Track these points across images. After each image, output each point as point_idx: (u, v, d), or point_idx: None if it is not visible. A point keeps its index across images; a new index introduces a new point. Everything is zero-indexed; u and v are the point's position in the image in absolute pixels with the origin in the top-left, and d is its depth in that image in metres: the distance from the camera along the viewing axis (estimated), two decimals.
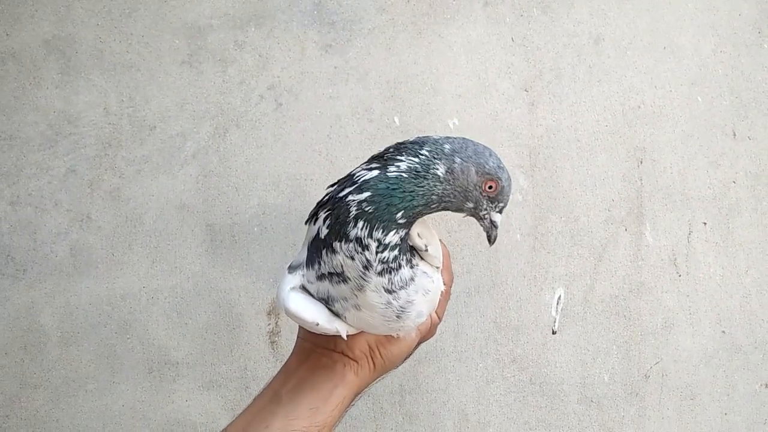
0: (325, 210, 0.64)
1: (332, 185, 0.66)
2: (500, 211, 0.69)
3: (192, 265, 1.01)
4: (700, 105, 1.09)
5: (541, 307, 1.06)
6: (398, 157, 0.63)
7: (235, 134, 1.01)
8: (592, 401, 1.06)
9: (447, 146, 0.64)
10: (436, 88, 1.04)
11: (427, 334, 0.78)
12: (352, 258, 0.63)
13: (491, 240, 0.71)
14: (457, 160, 0.64)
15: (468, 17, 1.04)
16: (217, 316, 1.01)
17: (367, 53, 1.03)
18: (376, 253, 0.63)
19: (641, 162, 1.07)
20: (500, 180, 0.66)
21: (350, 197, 0.62)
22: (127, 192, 1.00)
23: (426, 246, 0.70)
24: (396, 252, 0.64)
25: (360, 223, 0.62)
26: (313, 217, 0.67)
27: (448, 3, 1.04)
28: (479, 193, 0.66)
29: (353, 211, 0.62)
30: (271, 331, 1.02)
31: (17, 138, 0.97)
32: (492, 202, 0.67)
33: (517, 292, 1.06)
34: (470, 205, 0.67)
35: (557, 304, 1.06)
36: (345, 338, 0.69)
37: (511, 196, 0.69)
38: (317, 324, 0.67)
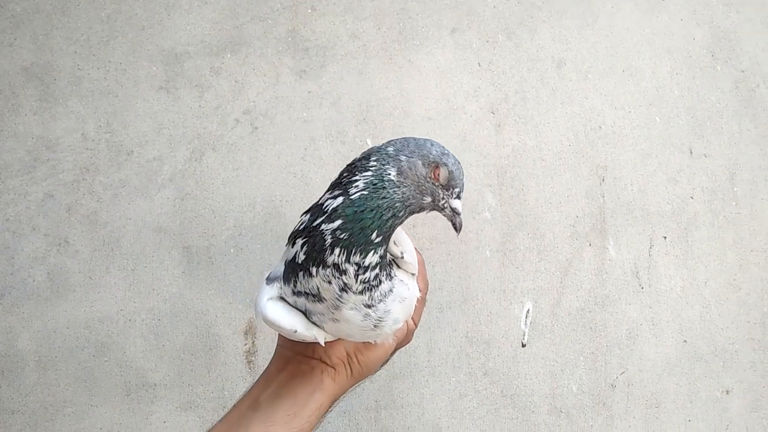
0: (302, 238, 0.66)
1: (306, 212, 0.68)
2: (458, 197, 0.69)
3: (169, 287, 1.04)
4: (658, 125, 1.16)
5: (511, 320, 1.11)
6: (354, 178, 0.65)
7: (211, 157, 1.05)
8: (561, 412, 1.12)
9: (390, 149, 0.66)
10: (406, 111, 1.09)
11: (404, 340, 0.80)
12: (329, 282, 0.65)
13: (457, 228, 0.72)
14: (402, 158, 0.66)
15: (436, 43, 1.10)
16: (194, 337, 1.04)
17: (339, 78, 1.08)
18: (356, 276, 0.65)
19: (603, 180, 1.14)
20: (446, 165, 0.67)
21: (323, 226, 0.64)
22: (104, 216, 1.03)
23: (402, 253, 0.73)
24: (377, 270, 0.66)
25: (336, 250, 0.64)
26: (291, 240, 0.68)
27: (417, 30, 1.10)
28: (432, 184, 0.67)
29: (328, 239, 0.64)
30: (248, 351, 1.05)
31: None
32: (447, 190, 0.68)
33: (488, 307, 1.11)
34: (428, 198, 0.67)
35: (526, 317, 1.12)
36: (323, 344, 0.71)
37: (464, 181, 0.70)
38: (295, 331, 0.69)
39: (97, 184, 1.02)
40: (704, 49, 1.18)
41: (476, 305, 1.10)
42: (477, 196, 1.10)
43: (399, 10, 1.10)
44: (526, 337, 1.11)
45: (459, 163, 0.69)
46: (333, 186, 0.67)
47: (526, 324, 1.11)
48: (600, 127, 1.14)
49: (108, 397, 1.02)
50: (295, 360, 0.75)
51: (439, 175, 0.67)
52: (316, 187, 1.06)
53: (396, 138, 0.68)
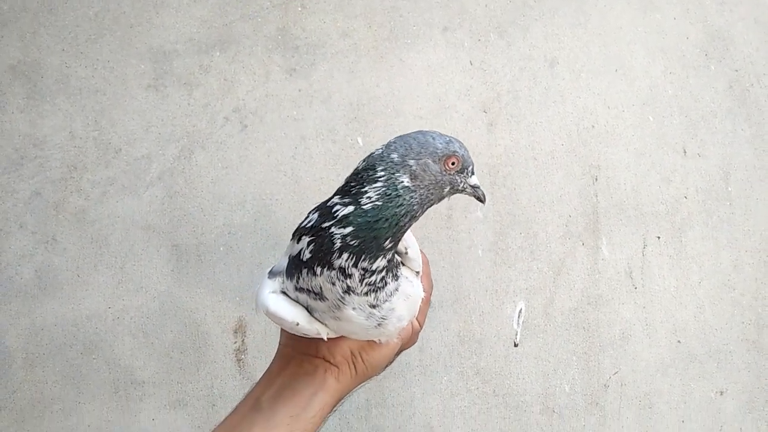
0: (309, 236, 0.65)
1: (314, 210, 0.67)
2: (473, 173, 0.70)
3: (158, 285, 1.05)
4: (651, 124, 1.17)
5: (503, 320, 1.12)
6: (363, 189, 0.64)
7: (200, 156, 1.06)
8: (554, 411, 1.13)
9: (394, 156, 0.65)
10: (398, 109, 1.10)
11: (409, 341, 0.80)
12: (333, 284, 0.64)
13: (482, 199, 0.73)
14: (411, 162, 0.65)
15: (428, 42, 1.12)
16: (183, 335, 1.05)
17: (330, 76, 1.09)
18: (361, 279, 0.64)
19: (596, 179, 1.15)
20: (456, 152, 0.68)
21: (333, 229, 0.63)
22: (92, 214, 1.04)
23: (406, 248, 0.73)
24: (383, 273, 0.66)
25: (345, 255, 0.63)
26: (296, 236, 0.68)
27: (409, 28, 1.11)
28: (448, 175, 0.68)
29: (338, 243, 0.63)
30: (238, 349, 1.06)
31: None
32: (461, 173, 0.69)
33: (480, 306, 1.12)
34: (447, 188, 0.68)
35: (518, 317, 1.13)
36: (326, 339, 0.70)
37: (470, 156, 0.72)
38: (297, 324, 0.68)
39: (85, 182, 1.03)
40: (698, 48, 1.19)
41: (468, 304, 1.11)
42: (469, 196, 1.11)
43: (390, 8, 1.11)
44: (518, 336, 1.12)
45: (461, 142, 0.70)
46: (340, 193, 0.66)
47: (518, 323, 1.12)
48: (593, 127, 1.15)
49: (96, 394, 1.04)
50: (298, 359, 0.74)
51: (452, 164, 0.67)
52: (306, 186, 1.07)
53: (392, 140, 0.68)
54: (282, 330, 0.80)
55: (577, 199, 1.14)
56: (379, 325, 0.69)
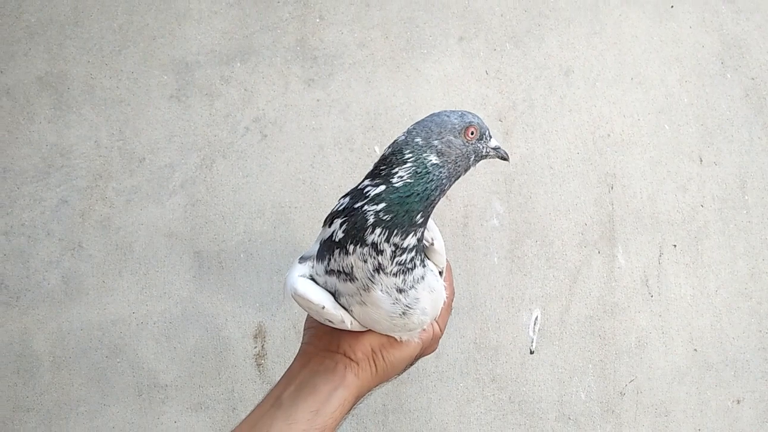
0: (342, 217, 0.68)
1: (345, 196, 0.70)
2: (491, 137, 0.75)
3: (180, 291, 1.08)
4: (667, 132, 1.18)
5: (519, 327, 1.14)
6: (393, 171, 0.68)
7: (221, 165, 1.09)
8: (569, 419, 1.14)
9: (418, 139, 0.69)
10: (414, 119, 1.10)
11: (429, 347, 0.82)
12: (365, 261, 0.67)
13: (506, 158, 0.77)
14: (435, 142, 0.69)
15: (444, 52, 1.14)
16: (204, 340, 1.08)
17: (348, 86, 1.12)
18: (392, 257, 0.67)
19: (612, 187, 1.16)
20: (472, 122, 0.72)
21: (366, 207, 0.66)
22: (117, 221, 1.07)
23: (432, 240, 0.76)
24: (413, 253, 0.69)
25: (377, 230, 0.66)
26: (328, 221, 0.70)
27: (425, 38, 1.13)
28: (471, 145, 0.72)
29: (371, 218, 0.66)
30: (258, 354, 1.09)
31: (11, 170, 1.05)
32: (481, 140, 0.73)
33: (496, 314, 1.13)
34: (472, 158, 0.73)
35: (534, 324, 1.14)
36: (349, 327, 0.72)
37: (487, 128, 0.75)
38: (323, 307, 0.70)
39: (109, 191, 1.07)
40: (714, 56, 1.19)
41: (484, 312, 1.13)
42: (485, 203, 1.13)
43: (406, 19, 1.13)
44: (534, 344, 1.13)
45: (472, 112, 0.74)
46: (370, 176, 0.69)
47: (534, 331, 1.13)
48: (608, 135, 1.16)
49: (120, 397, 1.06)
50: (319, 356, 0.76)
51: (471, 134, 0.72)
52: (324, 194, 1.09)
53: (410, 127, 0.72)
54: (305, 329, 0.82)
55: (593, 208, 1.15)
56: (403, 313, 0.71)
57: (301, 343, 0.80)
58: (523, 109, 1.15)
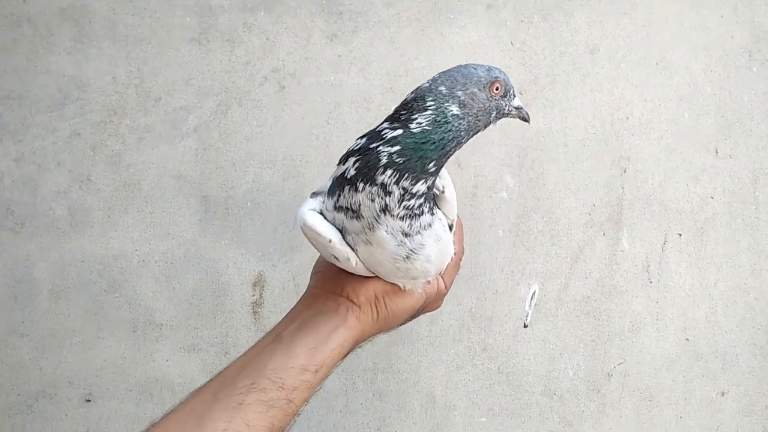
0: (356, 156, 0.68)
1: (362, 137, 0.70)
2: (515, 96, 0.74)
3: (184, 233, 1.09)
4: (686, 121, 1.17)
5: (516, 300, 1.15)
6: (413, 117, 0.67)
7: (236, 112, 1.08)
8: (555, 394, 1.16)
9: (441, 88, 0.68)
10: None
11: (433, 302, 0.83)
12: (372, 200, 0.67)
13: (527, 119, 0.77)
14: (459, 93, 0.69)
15: (470, 19, 1.12)
16: (204, 284, 1.09)
17: (370, 45, 1.10)
18: (400, 200, 0.67)
19: (625, 171, 1.16)
20: (498, 78, 0.71)
21: (381, 148, 0.67)
22: (127, 158, 1.07)
23: (443, 188, 0.76)
24: (422, 200, 0.69)
25: (389, 171, 0.66)
26: (343, 159, 0.70)
27: (453, 3, 1.12)
28: (494, 101, 0.71)
29: (384, 159, 0.66)
30: (255, 302, 1.10)
31: (26, 98, 1.05)
32: (505, 97, 0.73)
33: (494, 285, 1.14)
34: (494, 114, 0.72)
35: (531, 299, 1.15)
36: (354, 266, 0.73)
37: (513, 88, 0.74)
38: (330, 241, 0.71)
39: (123, 127, 1.07)
40: (742, 48, 1.18)
41: (483, 282, 1.14)
42: (496, 175, 1.13)
43: None
44: (528, 318, 1.15)
45: (500, 68, 0.73)
46: (389, 120, 0.69)
47: (530, 305, 1.15)
48: (627, 118, 1.15)
49: (115, 331, 1.08)
50: (323, 297, 0.77)
51: (496, 89, 0.71)
52: (336, 151, 1.09)
53: (436, 75, 0.71)
54: (312, 273, 0.84)
55: (603, 189, 1.15)
56: (407, 257, 0.72)
57: (308, 287, 0.81)
58: (545, 83, 1.14)
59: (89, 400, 1.08)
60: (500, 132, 1.13)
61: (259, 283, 1.10)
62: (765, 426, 1.20)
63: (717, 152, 1.18)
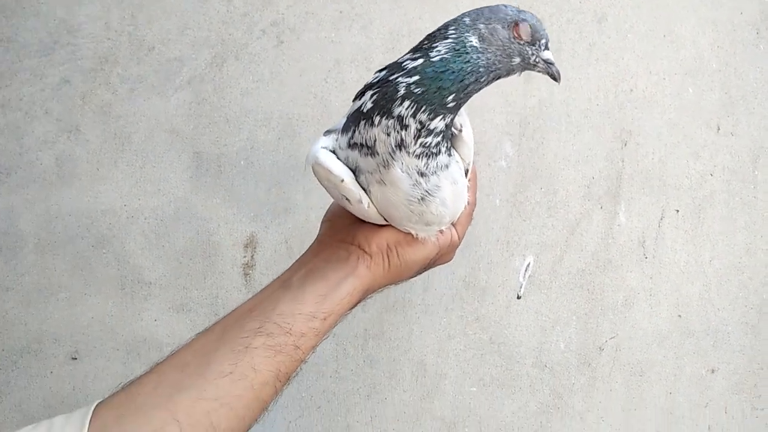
0: (373, 89, 0.67)
1: (381, 70, 0.68)
2: (546, 48, 0.70)
3: (175, 190, 1.06)
4: (690, 96, 1.16)
5: (510, 271, 1.14)
6: (434, 45, 0.65)
7: (232, 66, 1.05)
8: (545, 366, 1.15)
9: (466, 19, 0.67)
10: None
11: (445, 254, 0.81)
12: (388, 134, 0.65)
13: (556, 77, 0.72)
14: (481, 26, 0.66)
15: None
16: (194, 243, 1.07)
17: (373, 2, 1.07)
18: (416, 135, 0.65)
19: (625, 144, 1.14)
20: (526, 20, 0.68)
21: (399, 79, 0.65)
22: (118, 109, 1.04)
23: (461, 126, 0.73)
24: (439, 138, 0.67)
25: (406, 103, 0.64)
26: (360, 94, 0.69)
27: None
28: (517, 44, 0.67)
29: (401, 90, 0.64)
30: (246, 264, 1.08)
31: (15, 41, 1.01)
32: (533, 45, 0.68)
33: (489, 255, 1.13)
34: (517, 59, 0.68)
35: (525, 270, 1.14)
36: (366, 209, 0.71)
37: (546, 32, 0.70)
38: (342, 180, 0.69)
39: (114, 76, 1.03)
40: (750, 25, 1.16)
41: (478, 251, 1.12)
42: (496, 143, 1.11)
43: None
44: (522, 289, 1.14)
45: (535, 15, 0.69)
46: (412, 50, 0.67)
47: (524, 277, 1.14)
48: (631, 91, 1.14)
49: (102, 288, 1.06)
50: (333, 246, 0.75)
51: (521, 32, 0.67)
52: (334, 111, 1.06)
53: (467, 10, 0.68)
54: (322, 222, 0.82)
55: (603, 162, 1.14)
56: (422, 198, 0.69)
57: (318, 235, 0.80)
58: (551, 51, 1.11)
59: (75, 358, 1.06)
60: (502, 99, 1.10)
61: (250, 245, 1.08)
62: (753, 404, 1.21)
63: (719, 129, 1.17)
